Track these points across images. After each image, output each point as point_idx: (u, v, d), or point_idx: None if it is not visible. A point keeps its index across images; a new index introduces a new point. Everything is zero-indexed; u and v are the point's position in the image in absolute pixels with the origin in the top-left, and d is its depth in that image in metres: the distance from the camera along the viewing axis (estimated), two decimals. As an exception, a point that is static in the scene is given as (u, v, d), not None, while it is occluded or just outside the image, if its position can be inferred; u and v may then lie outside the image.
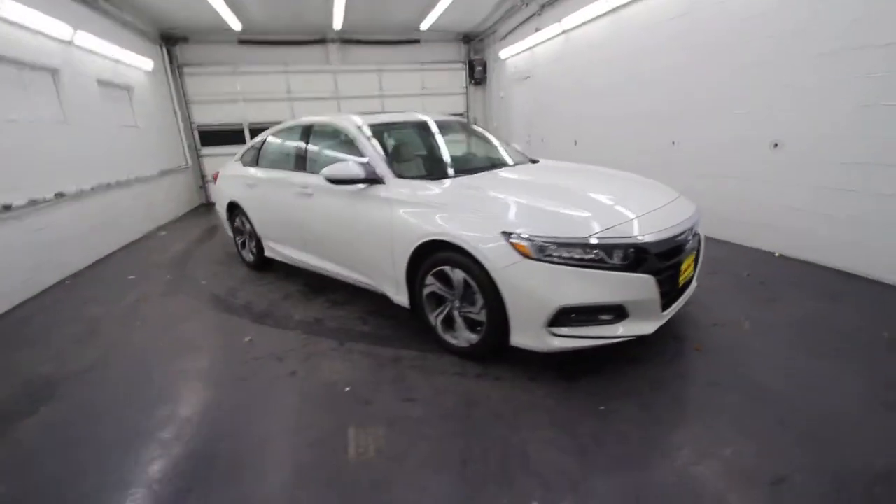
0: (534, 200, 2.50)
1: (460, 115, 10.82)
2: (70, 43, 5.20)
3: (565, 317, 2.21)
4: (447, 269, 2.54)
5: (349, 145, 3.43)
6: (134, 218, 6.43)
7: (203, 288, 4.22)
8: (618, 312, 2.25)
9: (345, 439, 2.03)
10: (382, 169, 2.96)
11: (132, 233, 6.34)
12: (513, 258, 2.22)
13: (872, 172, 3.39)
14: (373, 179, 2.94)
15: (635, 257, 2.21)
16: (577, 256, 2.17)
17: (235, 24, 7.82)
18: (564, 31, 7.04)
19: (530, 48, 8.20)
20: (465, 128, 4.09)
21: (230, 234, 4.96)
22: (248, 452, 1.99)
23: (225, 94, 9.18)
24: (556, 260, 2.17)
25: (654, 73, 5.37)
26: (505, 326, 2.36)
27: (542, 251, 2.18)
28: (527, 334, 2.30)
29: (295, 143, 3.86)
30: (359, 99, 9.93)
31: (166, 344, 3.11)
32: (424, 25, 8.97)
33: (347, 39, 9.57)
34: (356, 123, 3.35)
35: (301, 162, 3.69)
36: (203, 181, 9.53)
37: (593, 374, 2.45)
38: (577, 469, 1.79)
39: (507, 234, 2.25)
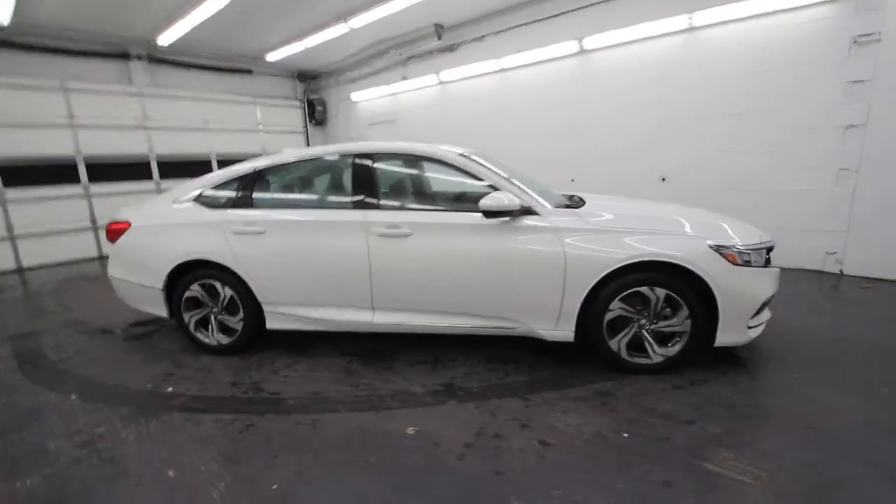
0: (699, 219, 2.85)
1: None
2: None
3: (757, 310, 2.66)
4: (644, 289, 2.62)
5: (449, 175, 3.03)
6: None
7: (187, 396, 2.71)
8: (769, 301, 2.84)
9: (717, 477, 1.89)
10: (531, 198, 2.78)
11: None
12: (725, 267, 2.55)
13: (730, 194, 5.17)
14: (527, 210, 2.72)
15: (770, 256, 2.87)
16: (758, 259, 2.67)
17: (3, 15, 5.19)
18: (442, 83, 7.65)
19: (394, 94, 8.47)
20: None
21: (163, 313, 3.30)
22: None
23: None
24: (751, 263, 2.62)
25: (546, 126, 6.54)
26: (709, 331, 2.63)
27: (743, 257, 2.59)
28: (732, 332, 2.63)
29: (343, 175, 3.05)
30: (177, 131, 7.92)
31: (300, 477, 1.96)
32: (273, 57, 8.03)
33: (159, 58, 7.59)
34: (456, 152, 2.99)
35: (368, 197, 2.94)
36: None
37: (743, 356, 2.95)
38: None
39: (717, 247, 2.56)
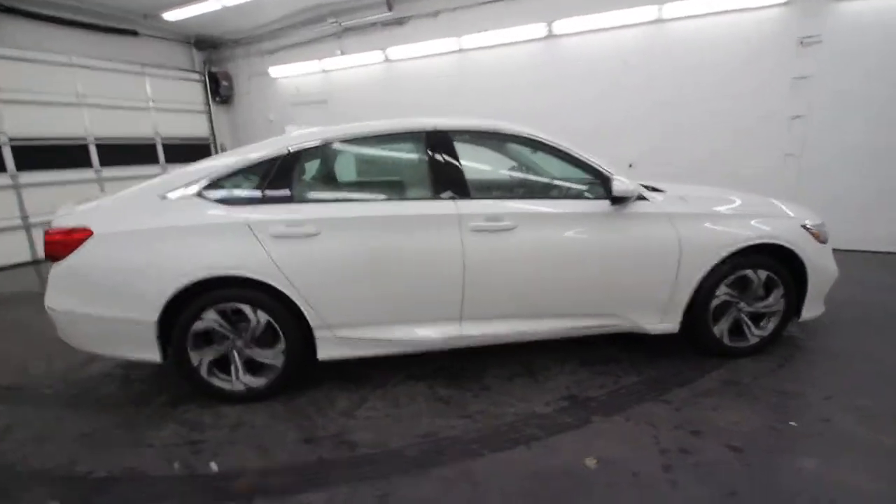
0: (765, 200, 2.92)
1: (205, 139, 8.30)
2: None
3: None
4: (749, 272, 2.61)
5: (533, 158, 2.65)
6: None
7: (251, 473, 1.94)
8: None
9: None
10: (634, 183, 2.55)
11: None
12: (815, 245, 2.66)
13: (691, 177, 5.59)
14: (638, 196, 2.50)
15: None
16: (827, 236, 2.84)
17: None
18: (388, 61, 6.97)
19: (326, 71, 7.50)
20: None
21: (152, 356, 2.33)
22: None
23: None
24: (826, 241, 2.77)
25: (508, 108, 6.35)
26: (793, 310, 2.72)
27: (823, 235, 2.73)
28: (814, 307, 2.76)
29: (415, 159, 2.46)
30: (39, 106, 5.93)
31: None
32: (173, 17, 6.44)
33: (8, 7, 5.54)
34: (532, 130, 2.62)
35: (457, 185, 2.41)
36: None
37: (797, 325, 3.14)
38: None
39: (806, 227, 2.65)
